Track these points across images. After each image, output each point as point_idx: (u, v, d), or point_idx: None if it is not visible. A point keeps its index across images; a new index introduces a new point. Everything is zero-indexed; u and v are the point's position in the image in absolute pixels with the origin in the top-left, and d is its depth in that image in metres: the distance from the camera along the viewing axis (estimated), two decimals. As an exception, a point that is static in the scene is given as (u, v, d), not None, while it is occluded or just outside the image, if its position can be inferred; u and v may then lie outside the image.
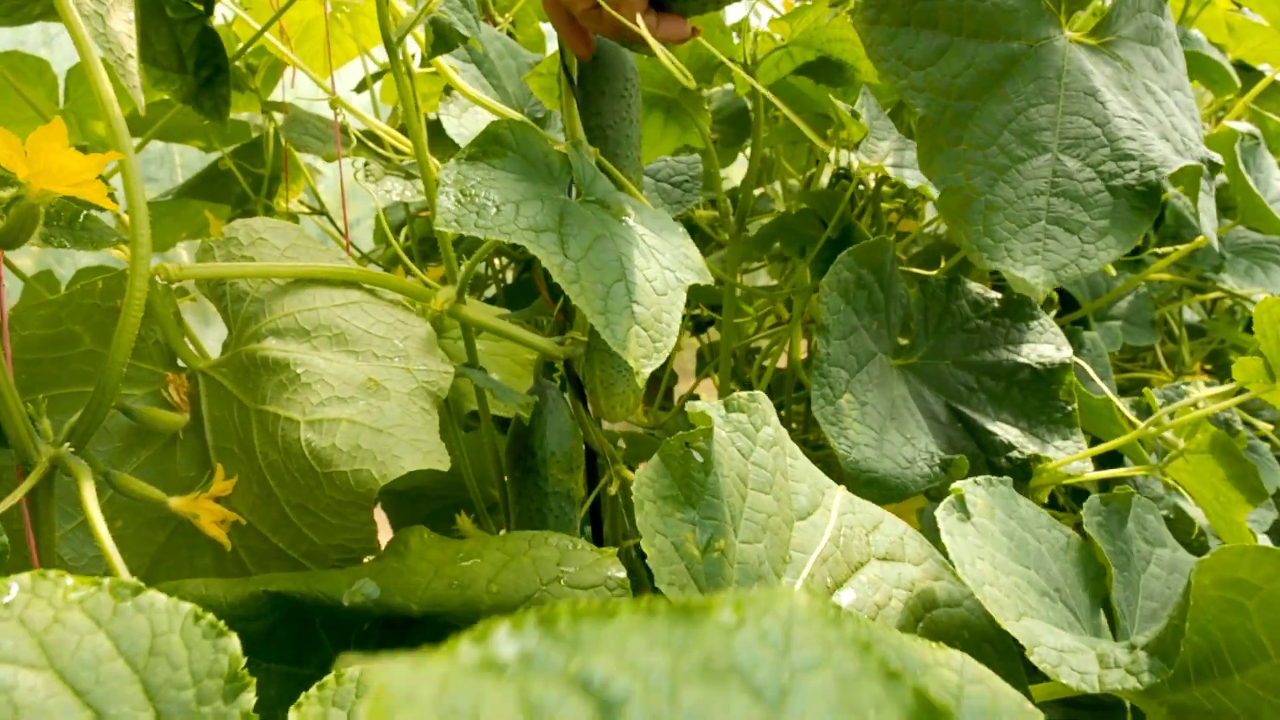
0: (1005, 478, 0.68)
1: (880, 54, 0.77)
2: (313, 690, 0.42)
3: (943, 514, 0.61)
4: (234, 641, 0.41)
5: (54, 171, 0.52)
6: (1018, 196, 0.76)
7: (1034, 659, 0.54)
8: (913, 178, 0.91)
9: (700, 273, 0.54)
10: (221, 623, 0.41)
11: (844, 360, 0.82)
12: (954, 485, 0.63)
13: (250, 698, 0.40)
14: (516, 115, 0.69)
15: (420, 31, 0.71)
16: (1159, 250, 1.46)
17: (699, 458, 0.52)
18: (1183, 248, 1.39)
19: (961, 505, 0.62)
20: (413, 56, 0.87)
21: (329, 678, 0.43)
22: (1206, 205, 0.86)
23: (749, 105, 1.29)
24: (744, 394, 0.58)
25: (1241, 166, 1.21)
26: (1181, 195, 1.52)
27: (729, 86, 1.28)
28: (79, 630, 0.39)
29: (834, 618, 0.24)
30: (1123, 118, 0.78)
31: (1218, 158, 0.87)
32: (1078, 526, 0.73)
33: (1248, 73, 1.61)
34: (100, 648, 0.39)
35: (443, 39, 0.65)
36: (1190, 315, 1.70)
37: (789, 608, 0.24)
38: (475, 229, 0.50)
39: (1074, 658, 0.55)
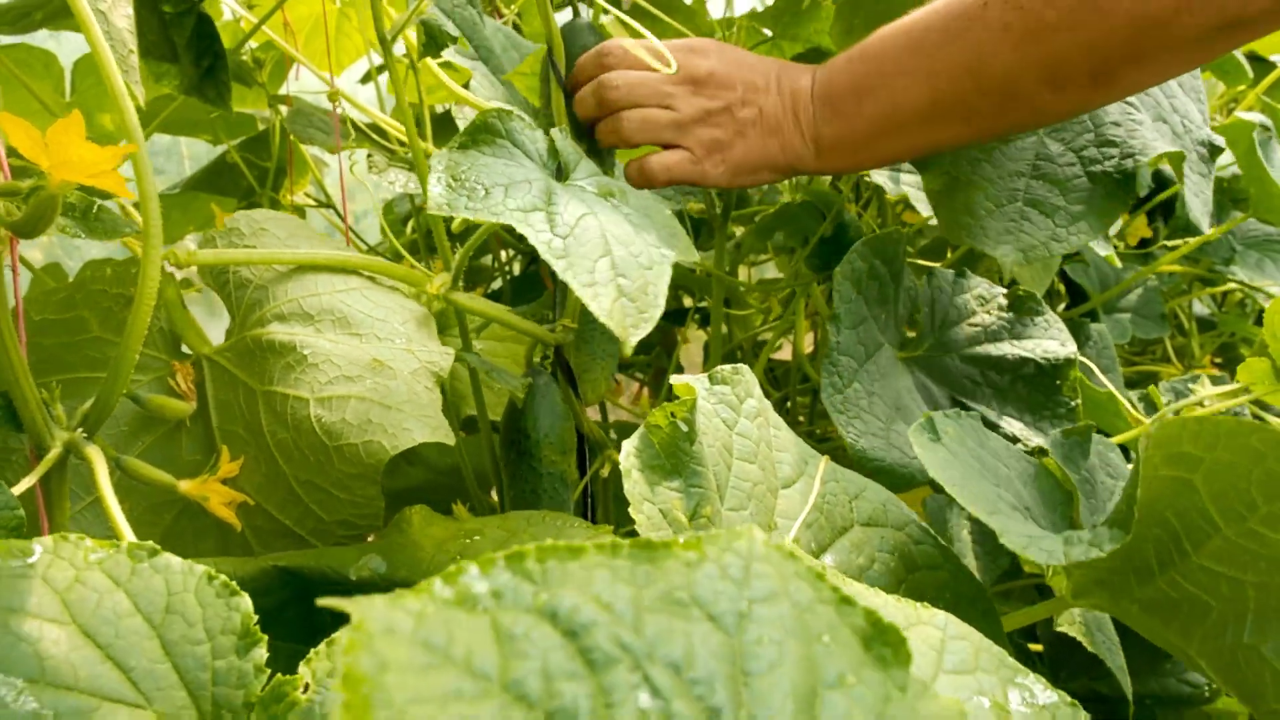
0: (973, 413, 0.70)
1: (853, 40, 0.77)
2: (321, 646, 0.43)
3: (914, 433, 0.64)
4: (246, 600, 0.43)
5: (74, 162, 0.53)
6: (999, 177, 0.76)
7: (1004, 541, 0.57)
8: (890, 187, 0.91)
9: (686, 250, 0.55)
10: (234, 583, 0.43)
11: (853, 350, 0.83)
12: (924, 413, 0.66)
13: (262, 653, 0.42)
14: (508, 105, 0.70)
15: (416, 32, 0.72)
16: (1169, 243, 1.45)
17: (684, 428, 0.53)
18: (1193, 240, 1.39)
19: (931, 427, 0.65)
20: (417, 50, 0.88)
21: (337, 634, 0.44)
22: (1200, 188, 0.86)
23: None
24: (728, 367, 0.59)
25: (1261, 157, 1.21)
26: (1195, 188, 1.52)
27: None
28: (99, 589, 0.41)
29: (789, 553, 0.26)
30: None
31: (1220, 141, 0.86)
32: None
33: (1259, 64, 1.60)
34: (119, 605, 0.41)
35: (433, 40, 0.66)
36: (1200, 308, 1.69)
37: (748, 544, 0.26)
38: (465, 211, 0.51)
39: (1042, 541, 0.58)
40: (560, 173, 0.61)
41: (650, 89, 0.75)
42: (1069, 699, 0.45)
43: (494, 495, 0.94)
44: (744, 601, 0.25)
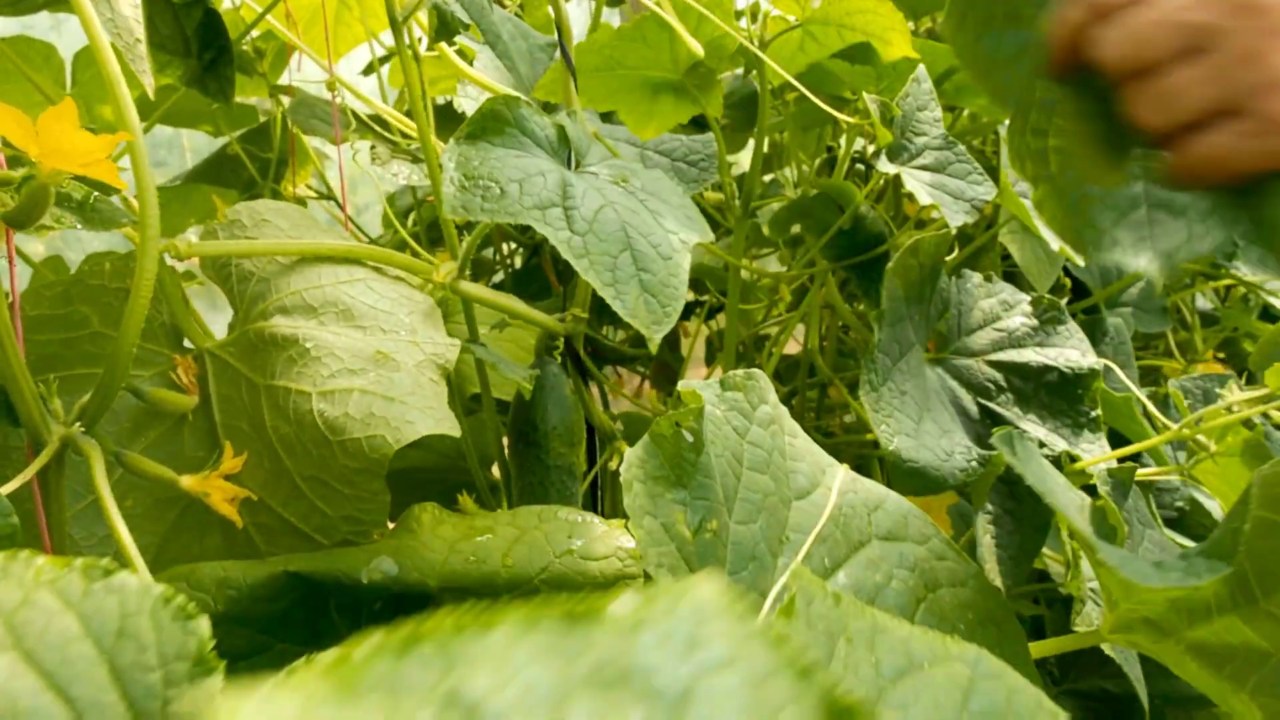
0: (1031, 436, 0.69)
1: (968, 57, 0.75)
2: (281, 676, 0.41)
3: (1000, 441, 0.65)
4: (203, 624, 0.40)
5: (65, 151, 0.52)
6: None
7: (1100, 556, 0.57)
8: (925, 193, 0.90)
9: (703, 230, 0.54)
10: (191, 605, 0.40)
11: (889, 348, 0.82)
12: (997, 428, 0.66)
13: (217, 681, 0.39)
14: (513, 92, 0.69)
15: (426, 16, 0.71)
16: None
17: (689, 437, 0.51)
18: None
19: (1010, 442, 0.65)
20: (419, 40, 0.86)
21: (299, 662, 0.42)
22: None
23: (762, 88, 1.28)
24: (740, 372, 0.57)
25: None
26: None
27: (739, 72, 1.27)
28: (48, 611, 0.38)
29: (743, 612, 0.23)
30: None
31: None
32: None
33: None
34: (68, 628, 0.38)
35: (445, 25, 0.65)
36: (1203, 303, 1.69)
37: (697, 604, 0.22)
38: (482, 214, 0.50)
39: (1134, 562, 0.56)
40: (571, 160, 0.60)
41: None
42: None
43: (495, 472, 0.93)
44: (689, 674, 0.21)
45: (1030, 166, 0.75)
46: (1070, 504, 0.70)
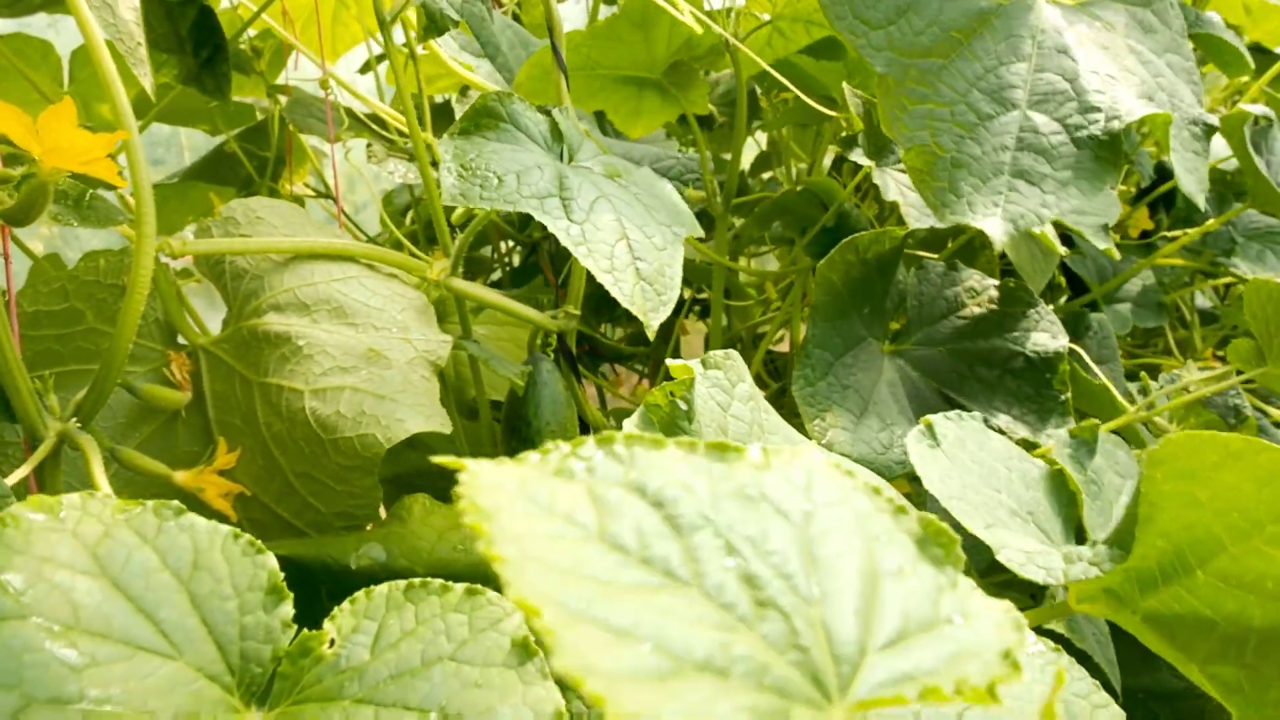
0: (975, 413, 0.69)
1: (836, 13, 0.75)
2: (345, 604, 0.44)
3: (912, 441, 0.64)
4: (272, 558, 0.44)
5: (65, 149, 0.53)
6: (984, 153, 0.75)
7: (1001, 558, 0.57)
8: (894, 190, 0.91)
9: (692, 225, 0.55)
10: (260, 541, 0.44)
11: (829, 343, 0.83)
12: (924, 418, 0.65)
13: (289, 609, 0.43)
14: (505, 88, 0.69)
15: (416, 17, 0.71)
16: (1169, 234, 1.44)
17: (683, 406, 0.53)
18: (1193, 231, 1.38)
19: (931, 434, 0.65)
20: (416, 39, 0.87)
21: (360, 593, 0.45)
22: (1193, 164, 0.85)
23: (757, 87, 1.28)
24: (719, 352, 0.59)
25: (1251, 149, 1.20)
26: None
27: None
28: (128, 545, 0.42)
29: (848, 471, 0.29)
30: (1095, 73, 0.77)
31: (1213, 120, 0.85)
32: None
33: (1264, 55, 1.59)
34: (148, 560, 0.41)
35: (433, 22, 0.66)
36: (1203, 301, 1.69)
37: (810, 460, 0.29)
38: (481, 201, 0.51)
39: (1040, 558, 0.58)
40: (564, 155, 0.61)
41: None
42: (1053, 644, 0.49)
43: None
44: (809, 504, 0.27)
45: (904, 128, 0.75)
46: (1020, 478, 0.69)
